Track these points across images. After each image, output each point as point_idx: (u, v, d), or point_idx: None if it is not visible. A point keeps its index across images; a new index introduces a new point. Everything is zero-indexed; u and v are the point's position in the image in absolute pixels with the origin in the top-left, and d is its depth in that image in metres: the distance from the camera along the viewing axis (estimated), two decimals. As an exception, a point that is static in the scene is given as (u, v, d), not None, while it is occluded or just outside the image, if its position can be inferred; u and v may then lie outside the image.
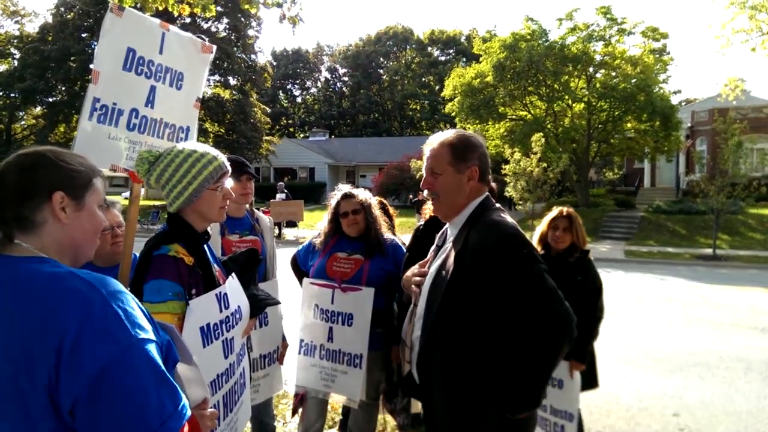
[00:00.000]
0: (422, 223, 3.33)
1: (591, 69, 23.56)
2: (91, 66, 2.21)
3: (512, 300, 1.79)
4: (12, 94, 31.21)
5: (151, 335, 1.19)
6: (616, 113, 22.23)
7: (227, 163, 2.00)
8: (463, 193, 2.01)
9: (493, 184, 2.26)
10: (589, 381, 3.48)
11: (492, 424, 1.84)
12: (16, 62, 32.04)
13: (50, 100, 31.19)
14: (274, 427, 3.24)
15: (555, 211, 3.52)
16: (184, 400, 1.21)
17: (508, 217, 1.97)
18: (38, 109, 33.33)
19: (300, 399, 3.54)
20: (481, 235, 1.87)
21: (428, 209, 3.38)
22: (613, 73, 22.84)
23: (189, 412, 1.22)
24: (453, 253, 1.92)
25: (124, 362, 1.10)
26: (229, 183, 2.02)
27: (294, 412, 3.65)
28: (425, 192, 2.12)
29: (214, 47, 2.66)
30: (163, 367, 1.18)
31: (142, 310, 1.24)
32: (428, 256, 2.20)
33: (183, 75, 2.49)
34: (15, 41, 32.60)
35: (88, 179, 1.31)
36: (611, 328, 7.41)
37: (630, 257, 15.91)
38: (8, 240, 1.21)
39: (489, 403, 1.83)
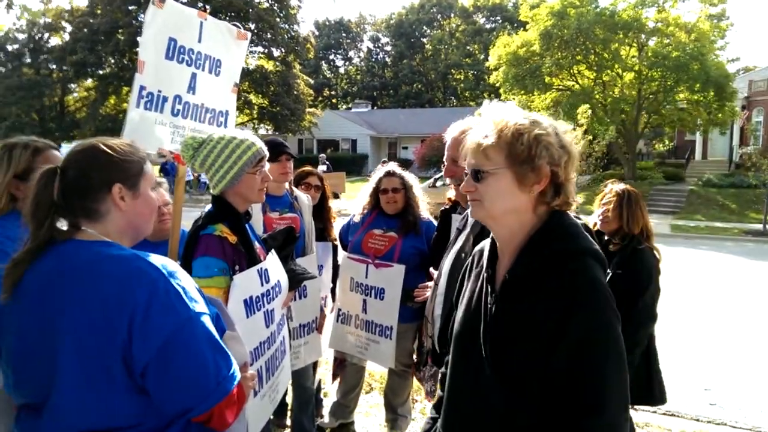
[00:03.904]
0: (446, 206, 3.44)
1: (643, 36, 22.59)
2: (137, 53, 2.36)
3: None
4: (64, 68, 32.31)
5: (204, 308, 1.37)
6: (668, 83, 21.34)
7: (264, 148, 2.13)
8: None
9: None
10: (647, 395, 3.01)
11: None
12: (67, 36, 33.06)
13: (101, 72, 32.14)
14: (314, 391, 3.45)
15: (608, 186, 3.07)
16: (235, 365, 1.39)
17: None
18: (89, 82, 34.38)
19: (339, 365, 3.75)
20: None
21: (448, 194, 3.47)
22: (667, 41, 21.84)
23: (239, 375, 1.39)
24: (472, 237, 2.01)
25: (186, 332, 1.28)
26: (267, 166, 2.16)
27: (334, 377, 3.87)
28: (447, 180, 2.20)
29: (249, 34, 2.81)
30: (217, 336, 1.35)
31: (195, 286, 1.41)
32: (451, 238, 2.31)
33: (221, 62, 2.65)
34: (66, 15, 33.58)
35: (140, 167, 1.46)
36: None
37: (676, 232, 15.50)
38: (75, 228, 1.37)
39: None
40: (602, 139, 20.10)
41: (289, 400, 3.56)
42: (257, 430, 2.06)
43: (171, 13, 2.41)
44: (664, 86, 21.60)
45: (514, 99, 25.64)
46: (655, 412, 4.32)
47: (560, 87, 24.47)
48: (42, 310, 1.28)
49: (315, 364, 3.87)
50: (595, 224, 3.15)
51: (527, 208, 1.34)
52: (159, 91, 2.39)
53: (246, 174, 2.07)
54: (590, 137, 20.14)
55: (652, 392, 3.01)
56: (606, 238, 3.09)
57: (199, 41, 2.52)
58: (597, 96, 22.85)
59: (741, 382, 4.99)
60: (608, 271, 2.93)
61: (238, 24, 2.74)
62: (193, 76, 2.51)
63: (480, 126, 1.38)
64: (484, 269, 1.44)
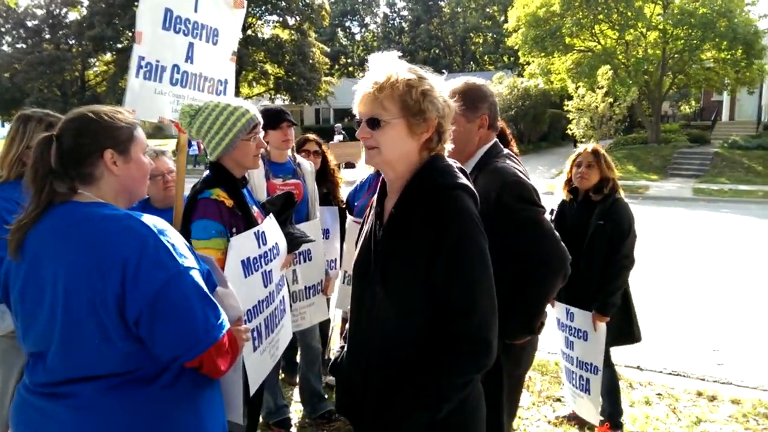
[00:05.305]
0: None
1: (668, -7, 21.79)
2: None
3: (511, 241, 1.94)
4: (83, 42, 32.49)
5: (194, 263, 1.47)
6: (694, 42, 20.60)
7: (259, 115, 2.19)
8: (472, 141, 2.13)
9: (505, 128, 2.35)
10: (627, 334, 3.27)
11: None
12: (84, 10, 33.13)
13: (119, 46, 32.26)
14: (320, 350, 3.59)
15: (579, 149, 3.33)
16: (224, 316, 1.50)
17: (513, 163, 2.09)
18: (108, 56, 34.57)
19: (346, 325, 3.87)
20: (485, 182, 2.00)
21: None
22: (693, -4, 21.01)
23: (228, 325, 1.50)
24: None
25: (175, 284, 1.38)
26: (262, 133, 2.23)
27: (342, 337, 3.99)
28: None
29: (245, 2, 2.82)
30: (206, 289, 1.46)
31: (185, 244, 1.50)
32: None
33: (218, 31, 2.68)
34: (82, -12, 33.63)
35: (130, 133, 1.53)
36: (658, 264, 7.35)
37: (698, 195, 15.22)
38: (72, 191, 1.47)
39: None
40: (623, 102, 19.63)
41: (299, 360, 3.71)
42: (258, 381, 2.18)
43: None
44: (690, 45, 20.87)
45: (533, 61, 25.12)
46: (661, 372, 4.38)
47: (581, 48, 23.81)
48: (41, 267, 1.39)
49: (327, 328, 4.01)
50: (567, 183, 3.36)
51: (414, 152, 1.53)
52: (157, 61, 2.45)
53: (241, 141, 2.14)
54: (611, 99, 19.69)
55: (631, 331, 3.30)
56: (585, 193, 3.30)
57: (195, 11, 2.55)
58: (620, 57, 22.20)
59: (751, 343, 4.99)
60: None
61: None
62: (191, 45, 2.56)
63: (372, 76, 1.50)
64: (374, 207, 1.65)
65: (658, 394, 3.97)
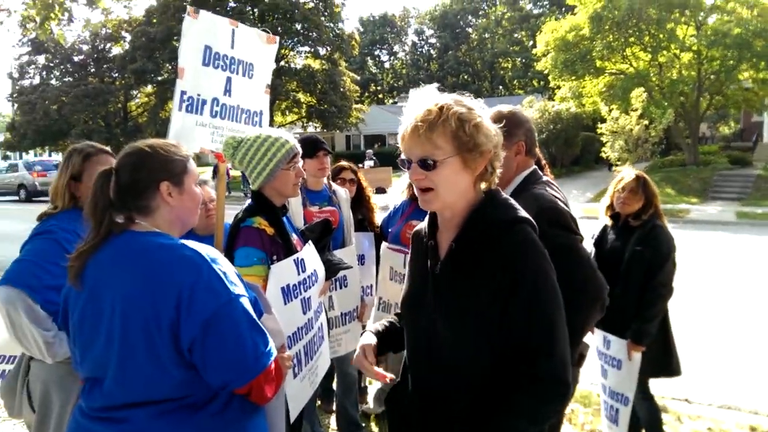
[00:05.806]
0: None
1: (701, 14, 21.49)
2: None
3: None
4: (126, 75, 33.85)
5: (243, 291, 1.50)
6: (730, 62, 20.21)
7: (298, 146, 2.25)
8: (510, 167, 2.11)
9: (539, 154, 2.34)
10: (665, 367, 3.14)
11: None
12: (127, 45, 34.61)
13: (159, 78, 33.49)
14: (356, 377, 3.56)
15: (623, 173, 3.28)
16: (271, 343, 1.52)
17: (552, 191, 2.07)
18: (149, 88, 35.89)
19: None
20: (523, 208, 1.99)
21: None
22: (727, 18, 20.67)
23: (275, 352, 1.53)
24: None
25: (227, 311, 1.41)
26: (301, 162, 2.28)
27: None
28: None
29: (277, 38, 2.97)
30: (255, 317, 1.49)
31: (234, 272, 1.54)
32: None
33: (253, 65, 2.82)
34: (125, 25, 35.18)
35: (183, 166, 1.60)
36: (703, 291, 7.09)
37: (742, 219, 14.72)
38: (130, 221, 1.52)
39: None
40: (659, 124, 19.29)
41: (335, 387, 3.69)
42: (298, 409, 2.18)
43: (205, 22, 2.60)
44: (726, 66, 20.47)
45: (564, 85, 25.02)
46: (710, 405, 4.19)
47: (613, 71, 23.61)
48: (100, 294, 1.44)
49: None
50: (609, 207, 3.33)
51: (470, 186, 1.47)
52: (198, 95, 2.57)
53: (281, 170, 2.19)
54: (646, 122, 19.38)
55: (669, 363, 3.16)
56: (625, 218, 3.25)
57: (232, 47, 2.70)
58: (653, 79, 21.91)
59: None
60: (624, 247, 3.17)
61: (267, 30, 2.90)
62: (228, 79, 2.69)
63: (417, 113, 1.43)
64: (426, 241, 1.57)
65: (709, 429, 3.79)
